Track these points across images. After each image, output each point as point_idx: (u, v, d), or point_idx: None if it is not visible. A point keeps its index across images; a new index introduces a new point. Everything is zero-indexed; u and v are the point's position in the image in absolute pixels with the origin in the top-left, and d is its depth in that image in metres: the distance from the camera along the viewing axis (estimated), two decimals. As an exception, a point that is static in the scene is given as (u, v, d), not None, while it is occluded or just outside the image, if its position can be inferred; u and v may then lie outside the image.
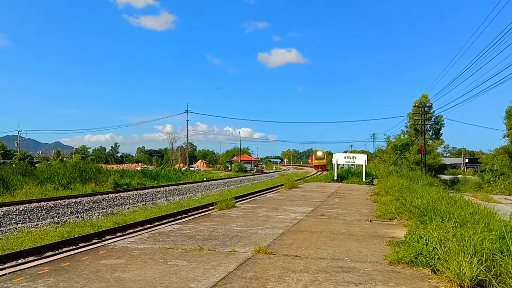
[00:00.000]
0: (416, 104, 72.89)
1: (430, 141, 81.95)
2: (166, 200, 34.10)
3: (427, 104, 71.30)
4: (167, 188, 40.35)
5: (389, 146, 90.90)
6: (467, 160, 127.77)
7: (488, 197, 39.35)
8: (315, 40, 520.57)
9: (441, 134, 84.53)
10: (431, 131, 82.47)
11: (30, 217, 21.84)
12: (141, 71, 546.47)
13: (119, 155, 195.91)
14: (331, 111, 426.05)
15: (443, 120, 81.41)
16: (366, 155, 45.42)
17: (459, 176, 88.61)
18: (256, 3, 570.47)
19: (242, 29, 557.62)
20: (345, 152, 76.41)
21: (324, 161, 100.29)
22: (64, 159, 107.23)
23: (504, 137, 64.27)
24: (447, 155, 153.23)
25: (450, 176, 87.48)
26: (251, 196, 31.35)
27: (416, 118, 71.71)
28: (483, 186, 60.32)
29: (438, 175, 74.80)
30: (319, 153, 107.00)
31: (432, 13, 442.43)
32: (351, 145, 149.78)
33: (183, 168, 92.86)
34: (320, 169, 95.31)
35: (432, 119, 79.00)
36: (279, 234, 10.87)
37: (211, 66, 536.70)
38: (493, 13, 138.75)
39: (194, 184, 49.04)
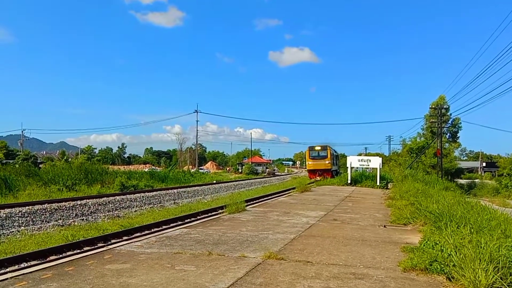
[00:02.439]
0: (433, 106, 72.57)
1: (447, 144, 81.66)
2: (174, 203, 34.19)
3: (444, 106, 70.97)
4: (175, 190, 40.40)
5: (405, 149, 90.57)
6: (484, 164, 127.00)
7: (506, 202, 39.18)
8: (329, 39, 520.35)
9: (458, 137, 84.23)
10: (448, 134, 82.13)
11: (34, 219, 21.96)
12: (149, 69, 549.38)
13: (126, 156, 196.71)
14: (345, 112, 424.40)
15: (460, 122, 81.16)
16: (381, 158, 45.33)
17: (476, 180, 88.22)
18: (268, 0, 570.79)
19: (253, 26, 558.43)
20: (360, 154, 76.28)
21: (327, 162, 63.26)
22: (69, 159, 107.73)
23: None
24: (464, 158, 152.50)
25: (467, 180, 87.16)
26: (262, 199, 31.43)
27: (433, 120, 71.37)
28: (500, 191, 60.18)
29: (455, 179, 74.66)
30: (317, 148, 65.36)
31: (450, 12, 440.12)
32: (366, 148, 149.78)
33: (192, 170, 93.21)
34: (318, 176, 60.68)
35: (449, 122, 78.68)
36: (290, 239, 10.89)
37: (221, 64, 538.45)
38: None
39: (204, 186, 49.11)
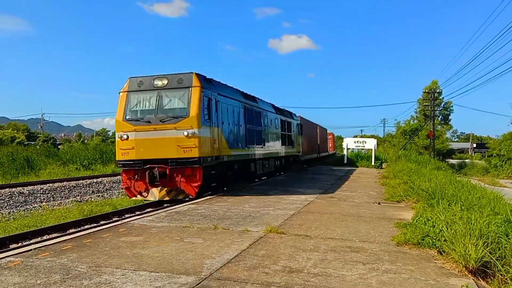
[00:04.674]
0: (426, 90, 72.16)
1: (439, 126, 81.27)
2: (183, 181, 34.16)
3: (437, 91, 70.59)
4: (184, 169, 40.35)
5: (399, 131, 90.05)
6: (474, 145, 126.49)
7: (495, 181, 39.11)
8: (326, 26, 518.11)
9: (450, 119, 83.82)
10: (440, 117, 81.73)
11: (54, 195, 22.03)
12: (156, 56, 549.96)
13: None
14: (342, 96, 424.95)
15: (452, 106, 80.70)
16: (375, 140, 45.34)
17: (467, 160, 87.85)
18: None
19: (253, 15, 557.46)
20: (355, 136, 76.10)
21: (187, 134, 13.42)
22: (85, 141, 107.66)
23: (511, 123, 63.81)
24: (455, 140, 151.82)
25: (458, 160, 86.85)
26: (263, 178, 31.38)
27: (426, 104, 71.04)
28: (490, 170, 59.96)
29: (446, 159, 74.37)
30: (158, 82, 14.28)
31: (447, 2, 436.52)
32: (362, 130, 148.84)
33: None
34: (150, 186, 15.45)
35: (442, 105, 78.23)
36: (290, 215, 10.89)
37: (224, 52, 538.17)
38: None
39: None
